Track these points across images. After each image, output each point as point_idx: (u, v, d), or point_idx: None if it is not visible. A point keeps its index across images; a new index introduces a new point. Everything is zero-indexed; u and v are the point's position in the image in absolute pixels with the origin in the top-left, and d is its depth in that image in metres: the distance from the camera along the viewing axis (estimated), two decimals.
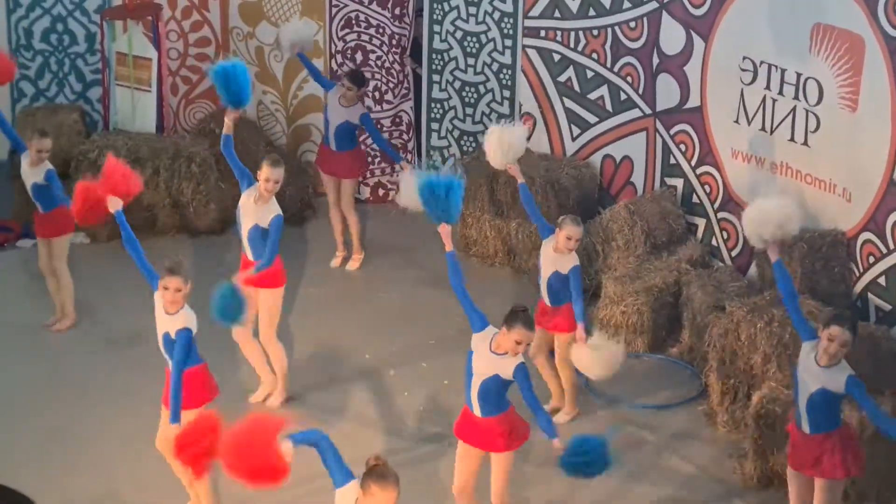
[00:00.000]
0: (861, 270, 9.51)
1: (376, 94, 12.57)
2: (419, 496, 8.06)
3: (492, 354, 7.35)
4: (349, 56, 12.50)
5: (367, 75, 12.27)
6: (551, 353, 9.18)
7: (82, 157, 11.90)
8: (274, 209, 9.04)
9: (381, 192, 12.90)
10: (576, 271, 8.82)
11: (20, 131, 12.22)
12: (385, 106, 12.61)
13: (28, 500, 7.91)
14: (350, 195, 11.41)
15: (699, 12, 10.56)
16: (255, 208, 9.05)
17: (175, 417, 7.41)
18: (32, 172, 10.15)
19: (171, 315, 7.75)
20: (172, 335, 7.70)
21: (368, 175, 12.82)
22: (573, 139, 11.84)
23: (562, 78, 11.76)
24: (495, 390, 7.37)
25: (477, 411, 7.44)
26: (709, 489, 8.54)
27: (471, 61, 12.24)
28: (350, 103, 11.08)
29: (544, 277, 8.96)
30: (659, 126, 11.19)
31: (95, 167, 11.74)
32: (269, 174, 8.96)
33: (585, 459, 7.13)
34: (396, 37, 12.42)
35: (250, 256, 9.09)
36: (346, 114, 11.09)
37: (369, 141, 12.55)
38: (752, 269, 10.19)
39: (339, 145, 11.24)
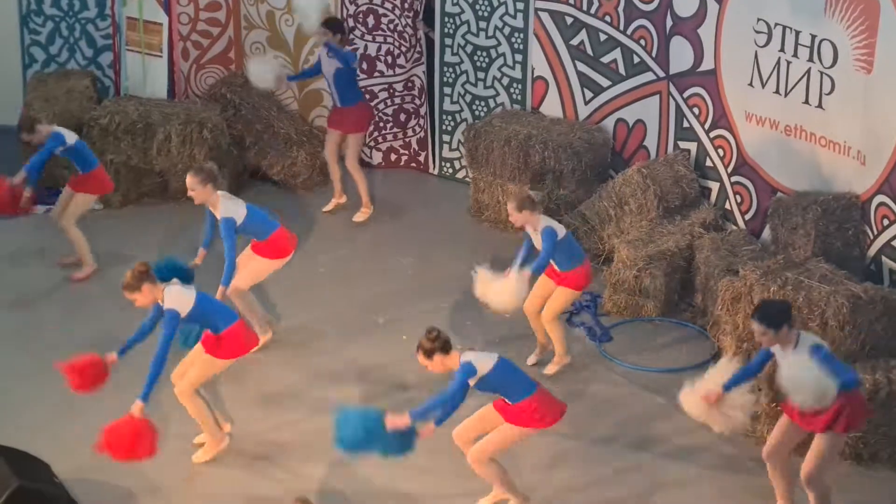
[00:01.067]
0: (875, 233, 9.48)
1: (388, 58, 12.52)
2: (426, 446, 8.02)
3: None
4: (361, 20, 12.44)
5: (380, 39, 12.24)
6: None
7: (93, 122, 11.89)
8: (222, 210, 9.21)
9: (393, 156, 12.87)
10: (546, 232, 8.93)
11: (31, 97, 12.25)
12: (397, 70, 12.56)
13: (43, 463, 7.97)
14: (355, 151, 11.47)
15: None
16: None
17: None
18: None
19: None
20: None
21: (381, 140, 12.79)
22: (586, 103, 11.79)
23: (574, 41, 11.70)
24: None
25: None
26: (721, 452, 8.54)
27: (483, 25, 12.17)
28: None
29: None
30: (672, 89, 11.13)
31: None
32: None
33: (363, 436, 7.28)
34: (409, 0, 12.36)
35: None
36: (333, 61, 11.26)
37: (381, 107, 12.56)
38: (766, 233, 10.16)
39: (342, 98, 11.39)
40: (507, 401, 7.55)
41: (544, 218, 9.06)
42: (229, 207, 9.15)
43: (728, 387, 7.60)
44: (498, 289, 8.74)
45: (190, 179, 9.08)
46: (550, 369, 9.42)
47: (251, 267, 9.45)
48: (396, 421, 7.27)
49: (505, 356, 7.60)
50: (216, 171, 9.27)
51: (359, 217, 11.72)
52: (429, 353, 7.44)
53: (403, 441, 7.32)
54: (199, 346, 8.22)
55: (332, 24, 11.33)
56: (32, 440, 8.20)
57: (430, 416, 7.38)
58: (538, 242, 9.00)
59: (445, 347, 7.44)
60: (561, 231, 9.04)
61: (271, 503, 7.94)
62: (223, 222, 9.06)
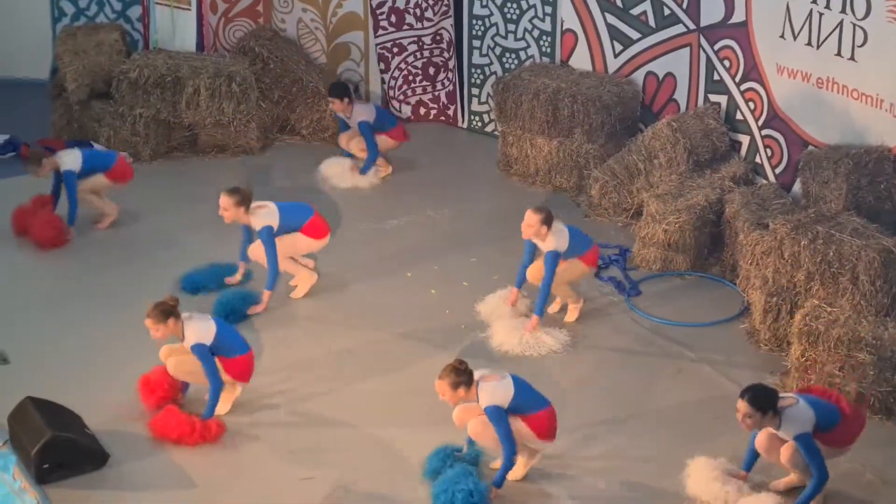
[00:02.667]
0: None
1: (417, 11, 12.46)
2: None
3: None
4: None
5: None
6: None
7: (123, 76, 11.89)
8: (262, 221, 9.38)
9: (422, 110, 12.84)
10: (549, 256, 9.03)
11: (61, 50, 12.26)
12: (426, 23, 12.50)
13: (75, 415, 8.04)
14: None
15: None
16: None
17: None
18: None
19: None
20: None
21: (410, 94, 12.76)
22: (615, 56, 11.71)
23: None
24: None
25: None
26: None
27: None
28: (347, 114, 11.47)
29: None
30: (703, 42, 11.04)
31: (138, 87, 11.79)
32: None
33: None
34: None
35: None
36: (351, 122, 11.53)
37: (410, 60, 12.53)
38: (796, 187, 10.10)
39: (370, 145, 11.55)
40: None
41: (552, 235, 9.04)
42: (264, 217, 9.29)
43: (747, 466, 7.66)
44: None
45: (224, 200, 9.16)
46: (571, 317, 9.44)
47: (288, 241, 9.53)
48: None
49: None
50: (250, 192, 9.32)
51: (381, 173, 11.72)
52: (455, 386, 7.31)
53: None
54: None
55: (333, 91, 11.45)
56: (65, 393, 8.27)
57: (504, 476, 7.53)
58: (543, 248, 9.11)
59: (470, 381, 7.36)
60: (563, 244, 9.06)
61: (302, 455, 7.99)
62: (263, 232, 9.23)
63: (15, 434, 7.80)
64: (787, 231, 8.98)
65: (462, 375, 7.31)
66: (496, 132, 12.11)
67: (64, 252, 10.40)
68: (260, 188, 10.40)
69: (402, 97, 12.76)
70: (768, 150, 10.56)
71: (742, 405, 7.29)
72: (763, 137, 10.61)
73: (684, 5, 11.09)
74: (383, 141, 11.56)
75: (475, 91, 12.60)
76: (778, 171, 10.46)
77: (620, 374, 8.91)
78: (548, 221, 9.04)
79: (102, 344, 9.10)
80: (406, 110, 12.81)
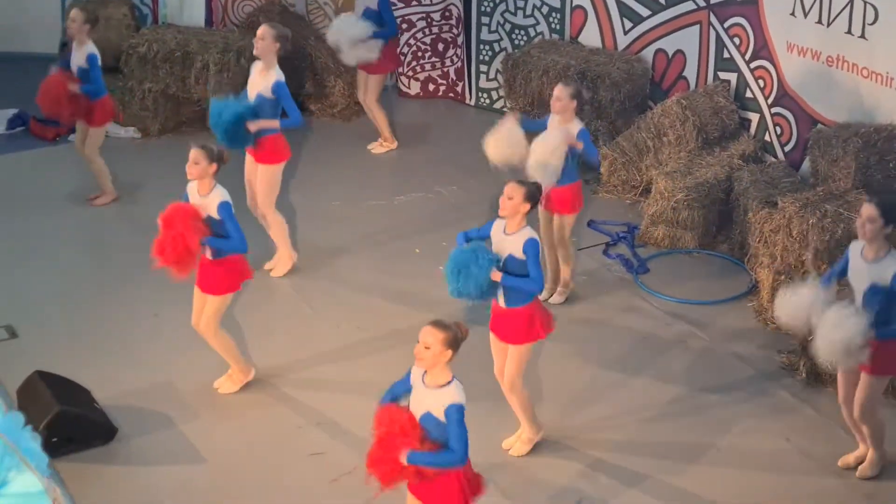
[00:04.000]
0: None
1: None
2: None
3: (505, 237, 7.32)
4: None
5: None
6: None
7: (132, 50, 11.90)
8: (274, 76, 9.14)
9: (431, 86, 12.83)
10: (584, 133, 8.80)
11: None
12: (434, 0, 12.49)
13: (84, 389, 8.07)
14: (374, 89, 11.39)
15: None
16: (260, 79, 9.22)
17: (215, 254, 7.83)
18: (76, 55, 10.14)
19: (204, 196, 7.87)
20: (215, 214, 7.81)
21: (419, 69, 12.74)
22: (625, 32, 11.69)
23: None
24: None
25: (502, 301, 7.40)
26: (758, 385, 8.54)
27: None
28: None
29: None
30: (713, 19, 11.01)
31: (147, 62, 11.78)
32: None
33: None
34: None
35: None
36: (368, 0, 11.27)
37: (419, 36, 12.49)
38: (805, 165, 10.08)
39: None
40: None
41: (576, 119, 8.89)
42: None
43: (825, 281, 7.28)
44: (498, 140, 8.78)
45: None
46: (556, 299, 9.39)
47: (262, 180, 9.32)
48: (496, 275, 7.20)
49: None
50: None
51: (377, 149, 11.69)
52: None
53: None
54: (199, 292, 8.11)
55: None
56: (74, 367, 8.30)
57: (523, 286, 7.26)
58: (561, 135, 8.69)
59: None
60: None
61: (311, 430, 8.01)
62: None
63: (23, 408, 7.83)
64: (796, 209, 8.97)
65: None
66: (504, 108, 12.10)
67: (75, 227, 10.42)
68: None
69: (410, 73, 12.74)
70: (778, 128, 10.54)
71: (869, 208, 6.93)
72: (773, 115, 10.58)
73: None
74: (375, 76, 11.33)
75: (483, 68, 12.58)
76: (787, 149, 10.44)
77: (627, 351, 8.92)
78: (580, 98, 8.80)
79: (112, 319, 9.13)
80: (415, 86, 12.79)
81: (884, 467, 7.56)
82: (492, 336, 7.60)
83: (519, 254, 7.24)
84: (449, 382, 6.04)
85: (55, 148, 11.62)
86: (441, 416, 5.95)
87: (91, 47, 10.13)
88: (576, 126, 8.82)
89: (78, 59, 10.15)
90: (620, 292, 9.63)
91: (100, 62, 10.17)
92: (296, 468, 7.67)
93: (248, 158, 9.42)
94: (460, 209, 10.77)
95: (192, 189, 8.00)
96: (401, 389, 6.29)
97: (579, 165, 9.05)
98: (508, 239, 7.30)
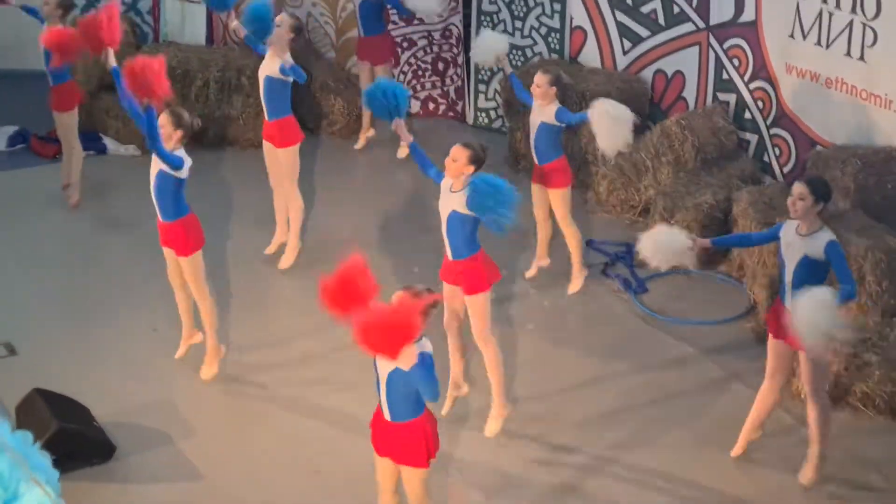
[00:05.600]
0: None
1: None
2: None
3: (451, 194, 7.72)
4: None
5: None
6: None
7: None
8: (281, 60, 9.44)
9: (431, 105, 12.86)
10: (561, 110, 9.16)
11: None
12: (435, 19, 12.51)
13: (83, 407, 8.07)
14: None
15: None
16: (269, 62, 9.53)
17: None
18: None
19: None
20: (166, 170, 8.12)
21: (419, 88, 12.77)
22: (624, 53, 11.72)
23: None
24: (462, 229, 7.70)
25: (450, 253, 7.83)
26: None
27: None
28: None
29: (532, 137, 9.34)
30: (712, 40, 11.05)
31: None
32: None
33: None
34: None
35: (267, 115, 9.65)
36: None
37: (419, 55, 12.52)
38: None
39: (366, 28, 11.58)
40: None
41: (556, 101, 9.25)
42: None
43: (718, 242, 7.85)
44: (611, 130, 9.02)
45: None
46: (573, 287, 9.71)
47: (285, 164, 9.66)
48: None
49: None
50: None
51: (401, 152, 11.81)
52: (474, 161, 7.64)
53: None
54: (170, 253, 8.42)
55: None
56: (72, 384, 8.30)
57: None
58: (539, 118, 9.20)
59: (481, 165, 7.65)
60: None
61: (310, 446, 8.01)
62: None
63: (22, 425, 7.81)
64: None
65: (481, 162, 7.66)
66: (503, 128, 12.12)
67: (72, 244, 10.42)
68: (265, 180, 10.39)
69: (411, 92, 12.77)
70: (776, 149, 10.57)
71: (800, 186, 7.29)
72: (771, 136, 10.61)
73: (694, 3, 11.10)
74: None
75: (482, 87, 12.61)
76: (786, 169, 10.47)
77: (624, 371, 8.92)
78: (559, 85, 9.20)
79: (111, 336, 9.13)
80: (415, 105, 12.83)
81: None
82: (444, 285, 7.94)
83: (462, 209, 7.63)
84: (419, 341, 6.28)
85: (55, 165, 11.62)
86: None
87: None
88: (554, 106, 9.18)
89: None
90: (619, 312, 9.63)
91: None
92: (294, 485, 7.67)
93: (267, 147, 9.72)
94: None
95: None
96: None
97: (561, 142, 9.47)
98: (453, 196, 7.74)
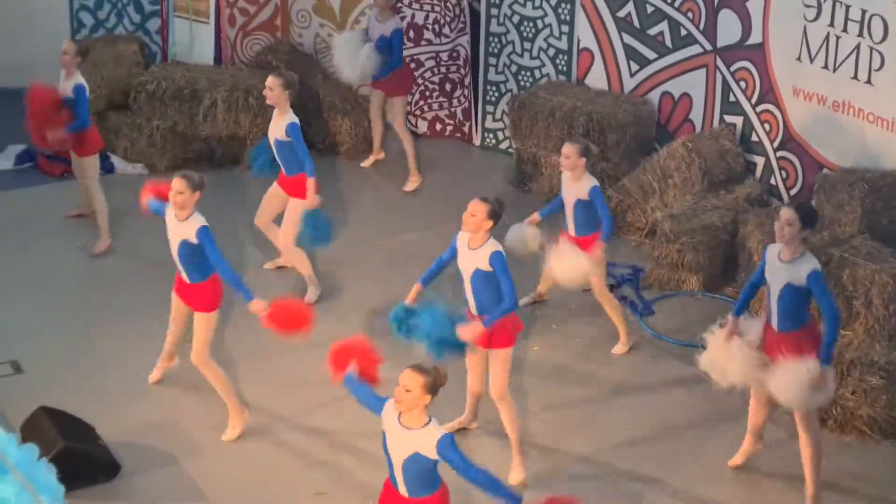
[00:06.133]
0: None
1: (436, 27, 12.50)
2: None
3: (470, 252, 7.59)
4: None
5: (427, 8, 12.26)
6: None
7: (141, 87, 11.96)
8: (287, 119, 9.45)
9: (438, 126, 12.87)
10: (596, 190, 8.88)
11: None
12: (443, 39, 12.54)
13: (88, 426, 8.06)
14: (400, 114, 11.57)
15: None
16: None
17: (247, 294, 7.85)
18: (64, 86, 10.21)
19: (182, 221, 7.98)
20: (192, 239, 7.92)
21: (426, 109, 12.79)
22: (631, 75, 11.74)
23: (621, 13, 11.64)
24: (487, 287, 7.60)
25: (474, 309, 7.65)
26: (767, 429, 8.50)
27: None
28: (385, 17, 11.35)
29: (569, 208, 9.05)
30: (719, 63, 11.06)
31: (154, 99, 11.83)
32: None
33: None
34: None
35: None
36: (382, 29, 11.35)
37: (427, 75, 12.55)
38: None
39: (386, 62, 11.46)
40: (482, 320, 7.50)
41: (588, 174, 8.97)
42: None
43: (737, 311, 7.76)
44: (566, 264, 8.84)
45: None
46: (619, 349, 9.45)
47: (288, 215, 9.63)
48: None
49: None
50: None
51: (408, 186, 11.79)
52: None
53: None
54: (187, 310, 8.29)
55: None
56: (78, 403, 8.30)
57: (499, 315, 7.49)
58: (575, 195, 8.89)
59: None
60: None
61: (315, 469, 8.00)
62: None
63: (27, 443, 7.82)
64: None
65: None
66: (510, 149, 12.14)
67: (79, 263, 10.43)
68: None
69: (418, 112, 12.80)
70: (783, 172, 10.57)
71: (788, 212, 7.35)
72: (778, 159, 10.61)
73: (701, 26, 11.12)
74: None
75: (490, 108, 12.63)
76: (793, 193, 10.46)
77: (630, 393, 8.91)
78: (588, 155, 8.93)
79: (116, 355, 9.14)
80: (422, 125, 12.84)
81: None
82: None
83: (486, 266, 7.47)
84: (429, 422, 6.17)
85: (62, 184, 11.65)
86: (432, 454, 6.11)
87: (79, 78, 10.18)
88: (588, 182, 8.91)
89: (66, 90, 10.19)
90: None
91: (87, 94, 10.20)
92: None
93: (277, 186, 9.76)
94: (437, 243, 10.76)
95: (170, 214, 8.11)
96: (370, 401, 6.49)
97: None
98: (473, 254, 7.55)
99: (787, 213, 7.37)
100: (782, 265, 7.40)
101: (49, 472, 5.15)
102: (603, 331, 9.58)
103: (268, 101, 9.49)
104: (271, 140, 9.55)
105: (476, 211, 7.57)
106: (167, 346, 8.68)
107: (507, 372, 7.75)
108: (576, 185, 8.94)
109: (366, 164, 12.17)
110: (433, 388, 6.17)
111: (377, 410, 6.37)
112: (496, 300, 7.51)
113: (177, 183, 7.97)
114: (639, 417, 8.63)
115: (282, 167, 9.62)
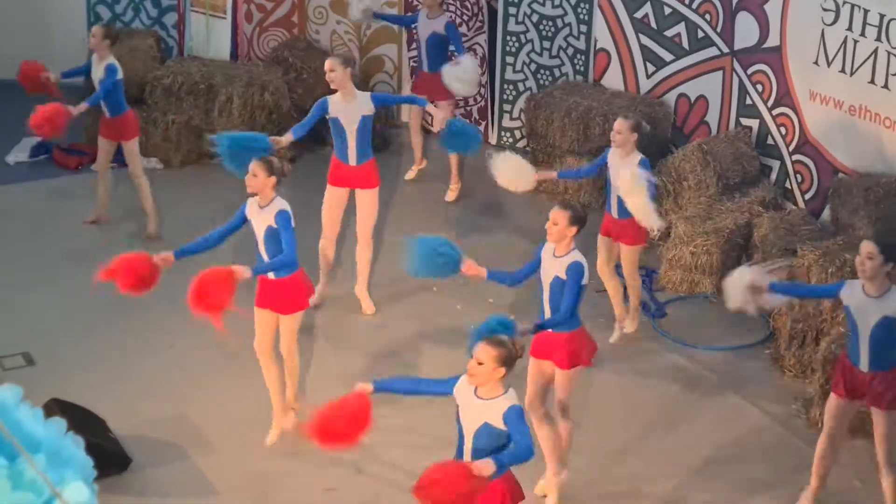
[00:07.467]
0: None
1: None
2: None
3: (554, 259, 7.34)
4: None
5: (445, 6, 12.25)
6: (618, 265, 9.38)
7: (157, 82, 11.99)
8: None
9: None
10: (645, 163, 8.78)
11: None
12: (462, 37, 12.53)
13: (99, 419, 8.08)
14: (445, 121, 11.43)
15: None
16: None
17: (259, 270, 7.67)
18: (96, 69, 10.23)
19: (263, 208, 7.80)
20: (273, 224, 7.73)
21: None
22: (648, 77, 11.72)
23: (638, 14, 11.62)
24: None
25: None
26: (772, 432, 8.51)
27: None
28: (434, 14, 11.28)
29: (613, 187, 8.91)
30: (736, 65, 11.04)
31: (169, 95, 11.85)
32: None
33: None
34: None
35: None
36: (433, 25, 11.27)
37: None
38: (826, 213, 10.07)
39: (431, 64, 11.29)
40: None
41: (637, 151, 8.87)
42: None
43: (777, 289, 7.40)
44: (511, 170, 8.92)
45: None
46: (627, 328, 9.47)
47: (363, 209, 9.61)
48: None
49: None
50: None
51: (450, 195, 11.68)
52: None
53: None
54: (267, 316, 8.01)
55: None
56: (89, 396, 8.32)
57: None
58: (623, 173, 8.62)
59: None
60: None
61: (327, 465, 8.01)
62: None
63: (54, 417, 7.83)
64: (815, 258, 8.96)
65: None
66: (527, 149, 12.13)
67: (93, 256, 10.44)
68: (290, 198, 10.41)
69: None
70: (798, 176, 10.54)
71: (868, 245, 7.03)
72: (794, 163, 10.59)
73: (718, 28, 11.10)
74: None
75: (507, 107, 12.62)
76: (808, 196, 10.44)
77: (641, 396, 8.90)
78: (639, 131, 8.81)
79: (129, 348, 9.16)
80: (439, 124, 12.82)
81: None
82: (532, 360, 7.54)
83: (563, 275, 7.29)
84: (504, 393, 6.07)
85: (77, 176, 11.69)
86: (500, 424, 5.99)
87: (111, 59, 10.19)
88: (636, 157, 8.81)
89: (98, 73, 10.25)
90: (637, 336, 9.61)
91: (119, 75, 10.20)
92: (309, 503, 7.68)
93: (341, 191, 9.60)
94: (479, 249, 10.74)
95: (252, 202, 7.91)
96: (428, 387, 6.43)
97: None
98: (557, 262, 7.35)
99: (867, 247, 7.03)
100: (871, 301, 7.07)
101: (77, 444, 5.15)
102: (607, 331, 9.57)
103: (332, 85, 9.33)
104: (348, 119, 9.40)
105: (558, 219, 7.30)
106: (275, 400, 8.18)
107: (570, 392, 7.58)
108: (624, 162, 8.73)
109: (409, 175, 12.05)
110: (507, 361, 6.02)
111: (445, 391, 6.26)
112: (573, 319, 7.36)
113: (253, 165, 7.80)
114: (647, 419, 8.62)
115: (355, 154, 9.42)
